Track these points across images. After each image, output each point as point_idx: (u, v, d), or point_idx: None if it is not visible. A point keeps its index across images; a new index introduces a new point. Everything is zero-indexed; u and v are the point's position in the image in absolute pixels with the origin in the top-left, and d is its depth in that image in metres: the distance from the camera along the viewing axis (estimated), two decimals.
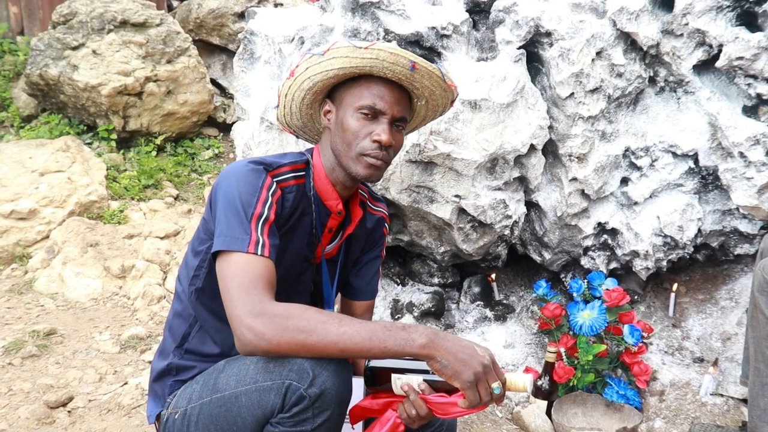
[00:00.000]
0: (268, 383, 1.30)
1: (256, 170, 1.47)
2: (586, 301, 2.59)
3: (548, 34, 2.49)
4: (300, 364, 1.28)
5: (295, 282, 1.61)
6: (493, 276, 2.94)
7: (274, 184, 1.48)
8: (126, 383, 2.44)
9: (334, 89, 1.60)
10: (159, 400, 1.58)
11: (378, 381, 1.45)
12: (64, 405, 2.29)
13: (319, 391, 1.27)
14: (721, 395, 2.46)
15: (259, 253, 1.36)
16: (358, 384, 1.53)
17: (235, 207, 1.40)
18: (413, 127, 1.84)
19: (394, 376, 1.42)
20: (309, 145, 1.90)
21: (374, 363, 1.44)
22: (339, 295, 1.83)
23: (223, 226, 1.39)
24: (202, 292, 1.55)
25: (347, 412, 1.44)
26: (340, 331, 1.27)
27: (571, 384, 2.42)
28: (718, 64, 2.45)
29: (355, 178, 1.58)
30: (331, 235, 1.66)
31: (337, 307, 1.83)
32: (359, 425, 1.54)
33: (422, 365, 1.38)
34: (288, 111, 1.70)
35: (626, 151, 2.63)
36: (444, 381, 1.33)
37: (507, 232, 2.61)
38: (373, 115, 1.53)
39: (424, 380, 1.40)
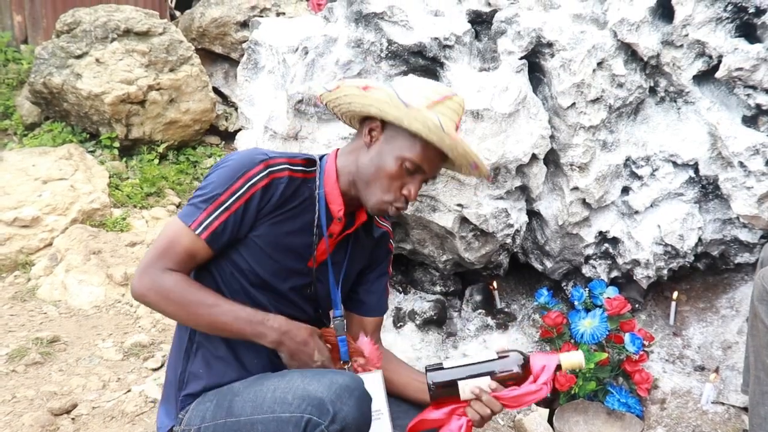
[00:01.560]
0: (286, 415, 1.32)
1: (250, 159, 1.51)
2: (588, 310, 2.60)
3: (550, 44, 2.51)
4: (319, 398, 1.30)
5: (287, 277, 1.59)
6: (495, 284, 2.95)
7: (264, 173, 1.49)
8: (129, 390, 2.45)
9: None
10: (171, 414, 1.58)
11: (441, 393, 1.48)
12: (67, 412, 2.30)
13: (340, 427, 1.29)
14: (722, 404, 2.47)
15: (197, 231, 1.46)
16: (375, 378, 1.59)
17: (207, 188, 1.49)
18: None
19: (461, 383, 1.46)
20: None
21: (437, 379, 1.47)
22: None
23: (189, 200, 1.51)
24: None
25: (406, 429, 1.54)
26: (208, 312, 1.46)
27: (572, 392, 2.43)
28: (718, 74, 2.47)
29: (364, 207, 1.62)
30: (332, 241, 1.65)
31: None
32: None
33: (481, 365, 1.46)
34: (335, 104, 1.67)
35: (627, 160, 2.65)
36: (510, 374, 1.42)
37: (509, 240, 2.63)
38: (414, 171, 1.55)
39: (492, 380, 1.45)
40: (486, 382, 1.44)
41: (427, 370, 1.50)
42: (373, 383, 1.54)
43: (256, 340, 1.48)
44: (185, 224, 1.47)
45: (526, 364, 1.46)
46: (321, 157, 1.65)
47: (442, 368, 1.49)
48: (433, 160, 1.56)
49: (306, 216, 1.58)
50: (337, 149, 1.67)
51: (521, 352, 1.49)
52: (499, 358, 1.48)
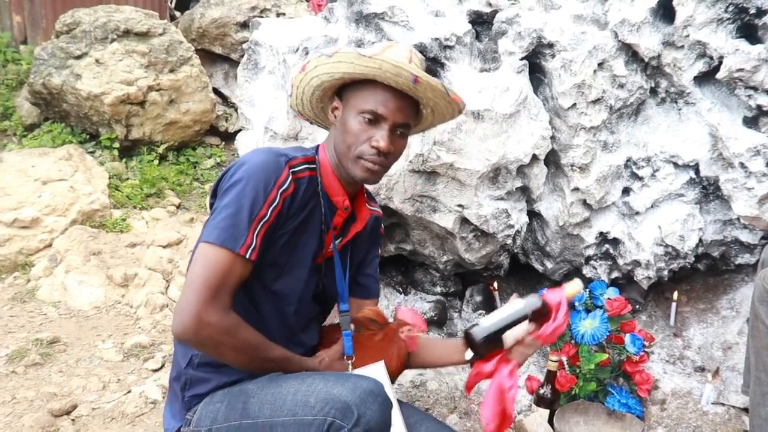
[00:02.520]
0: (309, 418, 1.31)
1: (276, 163, 1.48)
2: (588, 311, 2.60)
3: (550, 45, 2.51)
4: (343, 401, 1.29)
5: (305, 280, 1.60)
6: (495, 285, 2.94)
7: (290, 176, 1.49)
8: (129, 392, 2.45)
9: (344, 87, 1.62)
10: (177, 414, 1.57)
11: (486, 348, 1.61)
12: (67, 413, 2.29)
13: (363, 430, 1.28)
14: (723, 404, 2.47)
15: (247, 256, 1.41)
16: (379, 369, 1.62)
17: (243, 203, 1.42)
18: (420, 130, 1.86)
19: (504, 336, 1.60)
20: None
21: (483, 334, 1.60)
22: None
23: (225, 217, 1.41)
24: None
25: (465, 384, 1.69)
26: (279, 367, 1.50)
27: (572, 393, 2.43)
28: (719, 75, 2.47)
29: (353, 179, 1.60)
30: (336, 233, 1.65)
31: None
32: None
33: (515, 313, 1.60)
34: (300, 102, 1.73)
35: (628, 161, 2.65)
36: (539, 309, 1.59)
37: (509, 241, 2.62)
38: (375, 120, 1.54)
39: (529, 322, 1.60)
40: (525, 327, 1.59)
41: (466, 332, 1.63)
42: (377, 373, 1.57)
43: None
44: (232, 251, 1.39)
45: (544, 302, 1.62)
46: (315, 149, 1.67)
47: (481, 326, 1.61)
48: (388, 102, 1.54)
49: (315, 213, 1.59)
50: (322, 143, 1.69)
51: (535, 294, 1.65)
52: (525, 304, 1.62)
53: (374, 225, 1.80)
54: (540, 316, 1.61)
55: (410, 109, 1.62)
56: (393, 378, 1.70)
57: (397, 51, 1.56)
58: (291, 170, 1.50)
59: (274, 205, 1.45)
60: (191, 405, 1.54)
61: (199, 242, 1.48)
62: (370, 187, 1.95)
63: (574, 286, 1.63)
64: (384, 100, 1.54)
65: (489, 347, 1.62)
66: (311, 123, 1.84)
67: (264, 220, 1.43)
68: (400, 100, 1.56)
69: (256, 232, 1.42)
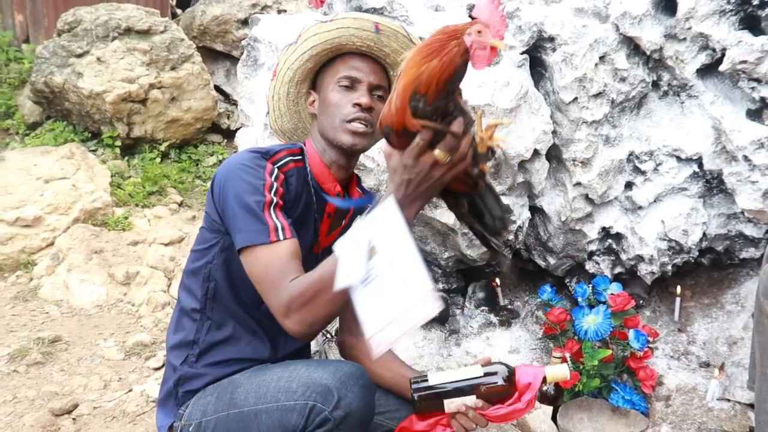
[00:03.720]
0: (290, 403, 1.31)
1: (257, 158, 1.48)
2: (591, 306, 2.58)
3: (551, 39, 2.49)
4: (324, 385, 1.29)
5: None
6: (498, 281, 2.93)
7: (276, 169, 1.49)
8: (131, 390, 2.45)
9: (315, 79, 1.64)
10: (170, 411, 1.57)
11: (425, 406, 1.46)
12: (68, 412, 2.29)
13: (344, 413, 1.28)
14: (728, 400, 2.44)
15: (281, 237, 1.37)
16: None
17: (246, 199, 1.41)
18: None
19: (446, 401, 1.44)
20: None
21: (422, 393, 1.46)
22: None
23: (240, 221, 1.40)
24: (217, 296, 1.56)
25: None
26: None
27: (576, 389, 2.41)
28: (722, 68, 2.44)
29: (345, 151, 1.58)
30: (330, 221, 1.65)
31: None
32: None
33: (467, 381, 1.43)
34: (278, 114, 1.71)
35: (630, 155, 2.62)
36: (496, 388, 1.40)
37: (511, 237, 2.61)
38: (351, 84, 1.56)
39: (476, 398, 1.43)
40: (472, 401, 1.43)
41: (411, 383, 1.47)
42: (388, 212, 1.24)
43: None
44: (266, 243, 1.36)
45: (511, 377, 1.45)
46: (302, 144, 1.66)
47: (427, 382, 1.47)
48: (360, 66, 1.57)
49: (309, 206, 1.59)
50: (307, 137, 1.68)
51: (507, 366, 1.47)
52: (485, 374, 1.45)
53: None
54: (498, 393, 1.43)
55: (382, 73, 1.63)
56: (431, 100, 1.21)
57: (352, 12, 1.61)
58: (274, 165, 1.50)
59: (274, 189, 1.44)
60: (184, 401, 1.54)
61: (197, 243, 1.50)
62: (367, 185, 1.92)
63: (560, 372, 1.43)
64: (356, 65, 1.57)
65: (426, 407, 1.46)
66: (289, 140, 1.81)
67: (273, 203, 1.42)
68: (371, 64, 1.59)
69: (273, 215, 1.40)
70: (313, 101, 1.64)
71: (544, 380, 1.44)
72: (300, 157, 1.59)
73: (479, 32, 1.17)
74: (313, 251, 1.62)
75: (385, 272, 1.14)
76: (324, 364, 1.39)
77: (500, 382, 1.43)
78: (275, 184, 1.45)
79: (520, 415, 1.44)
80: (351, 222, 1.68)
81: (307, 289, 1.30)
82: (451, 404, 1.44)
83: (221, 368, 1.53)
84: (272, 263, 1.36)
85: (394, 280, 1.12)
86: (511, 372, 1.45)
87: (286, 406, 1.31)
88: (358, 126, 1.54)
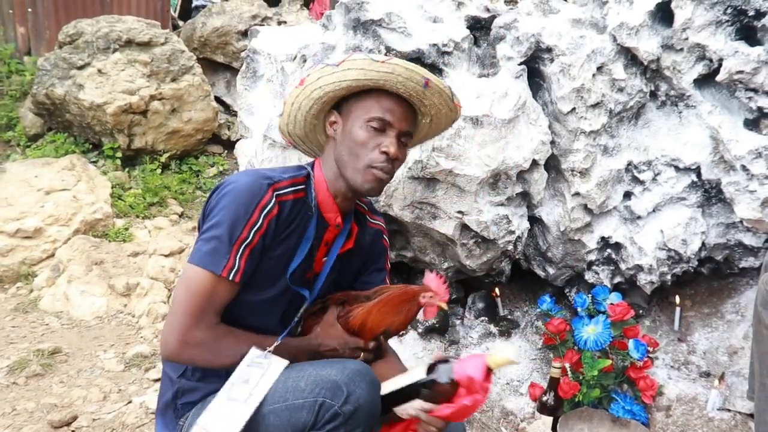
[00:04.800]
0: (299, 401, 1.33)
1: (258, 186, 1.47)
2: (591, 316, 2.58)
3: (549, 49, 2.50)
4: (332, 381, 1.32)
5: (282, 294, 1.58)
6: (497, 291, 2.93)
7: (273, 199, 1.48)
8: (130, 402, 2.44)
9: (342, 101, 1.61)
10: (169, 422, 1.57)
11: (383, 419, 1.46)
12: (68, 425, 2.28)
13: (353, 408, 1.31)
14: (729, 410, 2.44)
15: (230, 278, 1.41)
16: None
17: (224, 226, 1.42)
18: (412, 145, 1.84)
19: (396, 410, 1.45)
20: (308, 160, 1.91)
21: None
22: None
23: (207, 239, 1.43)
24: None
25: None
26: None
27: (576, 399, 2.41)
28: (719, 78, 2.45)
29: (356, 191, 1.58)
30: (327, 249, 1.64)
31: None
32: None
33: (410, 387, 1.44)
34: (292, 120, 1.69)
35: (628, 165, 2.63)
36: (441, 388, 1.40)
37: (510, 247, 2.61)
38: (382, 128, 1.54)
39: (422, 400, 1.43)
40: (417, 405, 1.43)
41: None
42: (274, 369, 1.45)
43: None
44: (215, 273, 1.40)
45: (445, 379, 1.44)
46: (311, 166, 1.65)
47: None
48: (394, 110, 1.55)
49: (303, 230, 1.57)
50: (318, 158, 1.67)
51: (450, 361, 1.46)
52: (428, 375, 1.45)
53: (374, 238, 1.78)
54: (444, 392, 1.41)
55: (413, 118, 1.63)
56: (392, 335, 1.66)
57: (404, 61, 1.57)
58: (275, 193, 1.49)
59: (256, 228, 1.44)
60: (184, 412, 1.54)
61: (187, 262, 1.50)
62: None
63: (503, 356, 1.39)
64: (390, 107, 1.55)
65: (384, 419, 1.46)
66: (294, 147, 1.81)
67: (246, 242, 1.43)
68: (404, 108, 1.58)
69: (239, 254, 1.43)
70: (334, 122, 1.61)
71: (489, 370, 1.41)
72: (302, 187, 1.57)
73: (431, 297, 1.60)
74: (306, 276, 1.61)
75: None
76: (330, 362, 1.42)
77: (443, 380, 1.42)
78: (260, 222, 1.45)
79: (472, 411, 1.41)
80: (348, 252, 1.68)
81: (212, 343, 1.42)
82: (402, 411, 1.45)
83: (219, 381, 1.53)
84: (205, 293, 1.41)
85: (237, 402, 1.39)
86: (449, 367, 1.44)
87: (294, 404, 1.33)
88: (381, 174, 1.54)
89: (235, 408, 1.36)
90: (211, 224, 1.44)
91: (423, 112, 1.65)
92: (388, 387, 1.46)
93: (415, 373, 1.47)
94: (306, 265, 1.59)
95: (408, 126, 1.59)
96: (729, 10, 2.41)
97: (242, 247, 1.43)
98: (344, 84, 1.54)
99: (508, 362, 1.39)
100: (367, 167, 1.53)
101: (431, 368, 1.46)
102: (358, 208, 1.74)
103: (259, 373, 1.41)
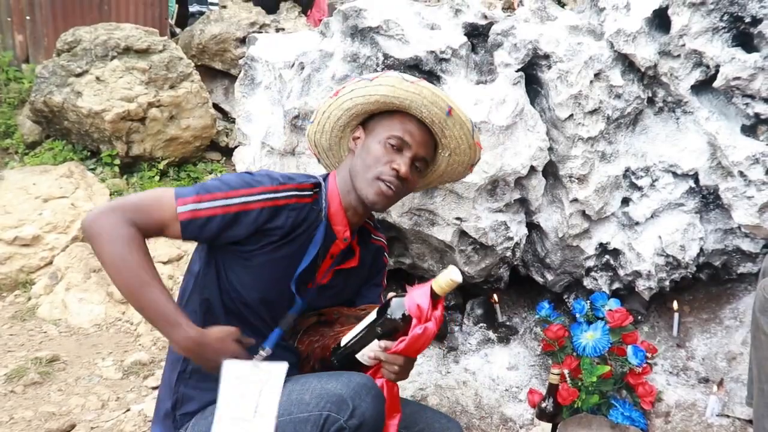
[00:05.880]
0: (304, 414, 1.33)
1: (271, 176, 1.52)
2: (590, 322, 2.58)
3: (546, 56, 2.51)
4: (338, 395, 1.32)
5: (279, 301, 1.59)
6: (496, 297, 2.93)
7: (281, 194, 1.51)
8: (128, 410, 2.43)
9: (369, 119, 1.66)
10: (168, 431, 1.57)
11: (349, 369, 1.48)
12: None
13: (359, 422, 1.31)
14: (728, 416, 2.43)
15: (178, 209, 1.41)
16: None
17: (218, 180, 1.47)
18: (427, 181, 1.87)
19: (358, 356, 1.47)
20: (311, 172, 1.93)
21: (340, 358, 1.51)
22: None
23: (201, 184, 1.47)
24: (209, 311, 1.56)
25: None
26: (139, 286, 1.37)
27: (575, 406, 2.40)
28: (716, 84, 2.46)
29: (363, 203, 1.60)
30: (332, 262, 1.65)
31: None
32: None
33: (366, 331, 1.46)
34: (320, 128, 1.74)
35: (626, 171, 2.63)
36: (395, 324, 1.40)
37: (509, 253, 2.61)
38: (399, 147, 1.58)
39: (380, 341, 1.44)
40: (374, 347, 1.44)
41: (332, 352, 1.53)
42: (277, 376, 1.43)
43: (167, 338, 1.44)
44: (173, 197, 1.42)
45: (400, 313, 1.43)
46: (324, 178, 1.66)
47: (340, 346, 1.51)
48: (414, 133, 1.59)
49: (308, 239, 1.58)
50: (333, 171, 1.70)
51: (400, 296, 1.44)
52: (379, 314, 1.45)
53: (375, 255, 1.80)
54: (399, 328, 1.41)
55: (431, 148, 1.67)
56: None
57: (434, 86, 1.61)
58: (277, 193, 1.51)
59: (243, 200, 1.46)
60: (182, 423, 1.54)
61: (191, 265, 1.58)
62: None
63: (447, 279, 1.36)
64: (411, 129, 1.59)
65: (350, 369, 1.48)
66: (319, 160, 1.86)
67: (221, 202, 1.44)
68: (426, 136, 1.62)
69: (205, 204, 1.43)
70: (358, 138, 1.65)
71: (436, 295, 1.39)
72: (308, 193, 1.57)
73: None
74: (308, 287, 1.61)
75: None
76: (335, 375, 1.41)
77: (396, 315, 1.42)
78: (251, 198, 1.46)
79: (425, 340, 1.38)
80: (350, 269, 1.68)
81: (124, 241, 1.35)
82: (363, 357, 1.47)
83: (215, 386, 1.52)
84: (155, 202, 1.41)
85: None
86: (401, 301, 1.43)
87: (299, 417, 1.33)
88: (386, 188, 1.56)
89: (249, 428, 1.34)
90: (210, 180, 1.49)
91: (444, 144, 1.68)
92: (346, 338, 1.48)
93: (370, 317, 1.48)
94: (309, 274, 1.59)
95: (425, 153, 1.63)
96: (726, 17, 2.42)
97: (214, 202, 1.43)
98: (373, 98, 1.59)
99: (453, 284, 1.36)
100: (375, 178, 1.56)
101: (385, 307, 1.45)
102: (365, 225, 1.75)
103: (256, 385, 1.38)
